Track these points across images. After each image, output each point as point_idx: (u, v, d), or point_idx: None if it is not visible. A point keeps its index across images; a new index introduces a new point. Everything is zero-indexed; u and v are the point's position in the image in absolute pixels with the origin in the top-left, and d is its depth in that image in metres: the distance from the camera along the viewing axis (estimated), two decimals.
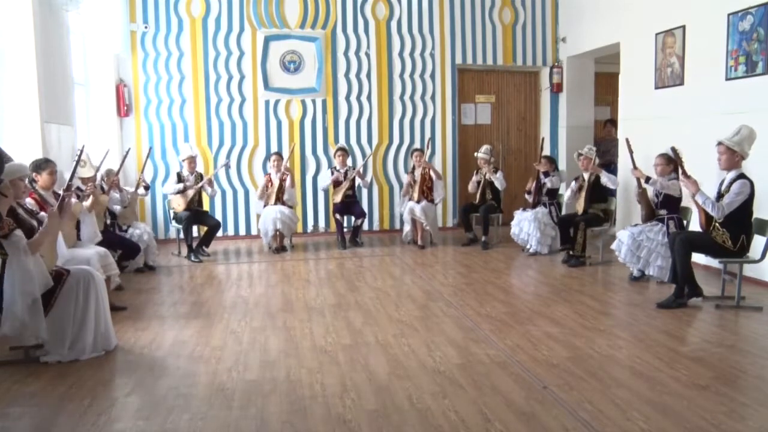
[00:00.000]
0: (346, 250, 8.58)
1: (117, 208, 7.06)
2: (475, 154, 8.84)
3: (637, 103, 8.21)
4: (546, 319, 5.15)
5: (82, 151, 5.21)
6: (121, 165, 7.35)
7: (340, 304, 5.78)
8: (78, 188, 5.91)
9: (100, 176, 6.97)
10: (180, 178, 8.12)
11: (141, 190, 7.84)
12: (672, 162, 6.26)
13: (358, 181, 8.82)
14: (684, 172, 5.63)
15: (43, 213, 4.68)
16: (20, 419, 3.45)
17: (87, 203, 5.68)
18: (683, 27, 7.21)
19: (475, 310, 5.48)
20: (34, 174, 5.49)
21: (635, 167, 6.43)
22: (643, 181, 6.37)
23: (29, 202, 4.83)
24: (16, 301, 4.04)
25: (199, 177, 8.19)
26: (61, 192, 4.63)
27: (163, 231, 9.41)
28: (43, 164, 5.45)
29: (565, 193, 7.90)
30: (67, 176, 5.46)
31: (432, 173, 8.66)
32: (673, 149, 5.70)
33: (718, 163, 5.46)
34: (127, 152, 7.86)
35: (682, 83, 7.29)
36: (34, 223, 4.36)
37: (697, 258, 5.95)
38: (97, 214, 6.19)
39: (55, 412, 3.52)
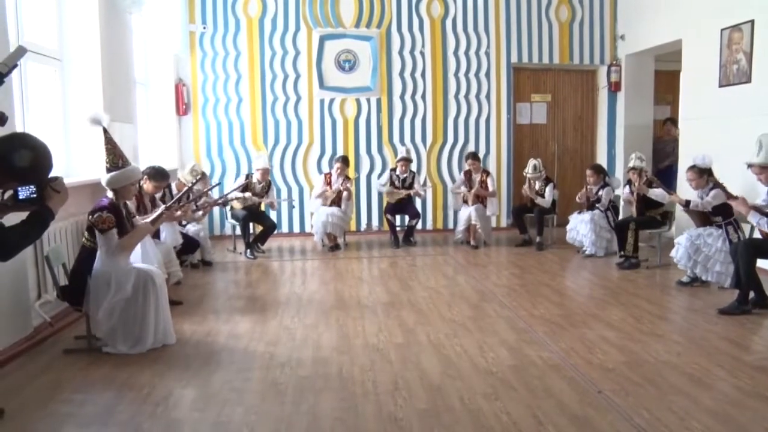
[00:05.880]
0: (399, 249, 8.58)
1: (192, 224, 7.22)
2: (524, 172, 8.64)
3: (700, 102, 7.94)
4: (601, 323, 5.04)
5: (249, 182, 5.39)
6: (227, 194, 7.46)
7: (393, 302, 5.79)
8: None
9: (196, 190, 6.79)
10: (248, 181, 8.17)
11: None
12: (705, 171, 6.05)
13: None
14: (729, 195, 5.42)
15: (137, 218, 4.88)
16: (83, 406, 3.57)
17: (177, 214, 5.79)
18: (752, 21, 6.93)
19: (528, 311, 5.41)
20: (145, 178, 5.74)
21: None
22: (682, 207, 6.23)
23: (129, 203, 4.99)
24: (105, 303, 4.31)
25: (268, 186, 8.27)
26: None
27: (218, 227, 9.61)
28: (158, 177, 5.80)
29: (621, 200, 7.78)
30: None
31: (486, 189, 8.60)
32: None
33: (760, 183, 5.31)
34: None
35: (749, 81, 7.01)
36: (129, 227, 4.58)
37: (762, 263, 5.72)
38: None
39: (116, 400, 3.64)
